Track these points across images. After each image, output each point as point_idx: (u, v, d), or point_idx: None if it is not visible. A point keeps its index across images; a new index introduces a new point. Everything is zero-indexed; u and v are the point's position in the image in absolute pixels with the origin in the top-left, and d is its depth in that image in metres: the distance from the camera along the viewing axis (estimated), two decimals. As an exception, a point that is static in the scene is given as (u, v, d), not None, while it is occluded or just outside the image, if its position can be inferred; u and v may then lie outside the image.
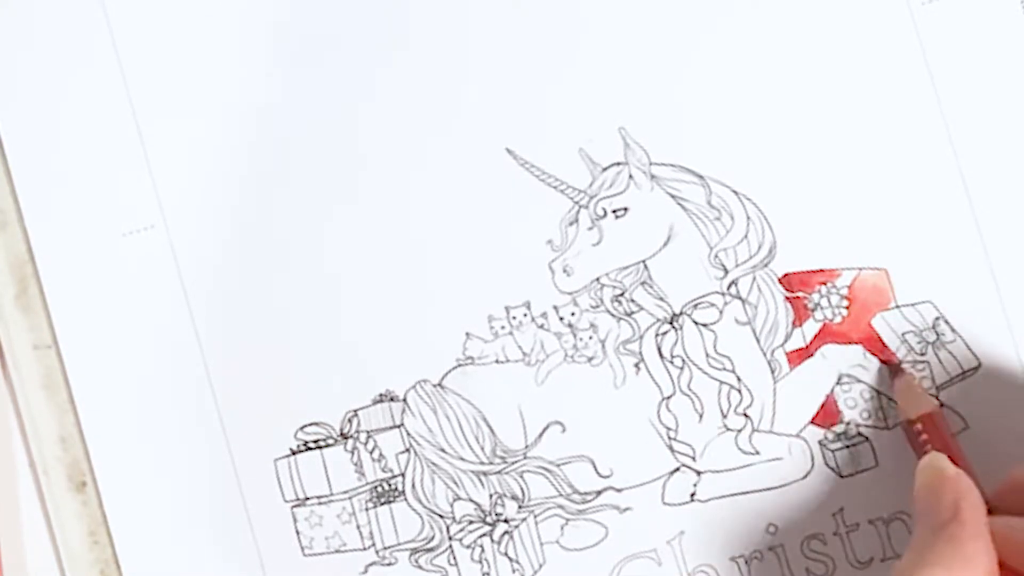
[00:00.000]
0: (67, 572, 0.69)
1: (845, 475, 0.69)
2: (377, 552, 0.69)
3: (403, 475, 0.69)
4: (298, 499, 0.69)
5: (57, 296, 0.70)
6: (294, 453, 0.70)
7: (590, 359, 0.69)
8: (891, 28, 0.69)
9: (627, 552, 0.69)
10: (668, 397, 0.69)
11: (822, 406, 0.69)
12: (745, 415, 0.69)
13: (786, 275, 0.69)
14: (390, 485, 0.69)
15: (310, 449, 0.70)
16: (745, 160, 0.69)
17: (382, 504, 0.69)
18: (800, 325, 0.69)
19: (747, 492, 0.69)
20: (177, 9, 0.71)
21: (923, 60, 0.69)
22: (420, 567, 0.69)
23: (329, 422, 0.70)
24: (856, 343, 0.69)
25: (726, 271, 0.69)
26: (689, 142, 0.69)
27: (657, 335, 0.69)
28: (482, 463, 0.69)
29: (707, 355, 0.69)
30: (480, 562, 0.69)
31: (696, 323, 0.69)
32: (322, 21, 0.71)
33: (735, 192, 0.69)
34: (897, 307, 0.69)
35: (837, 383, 0.69)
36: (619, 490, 0.69)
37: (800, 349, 0.69)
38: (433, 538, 0.69)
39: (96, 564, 0.69)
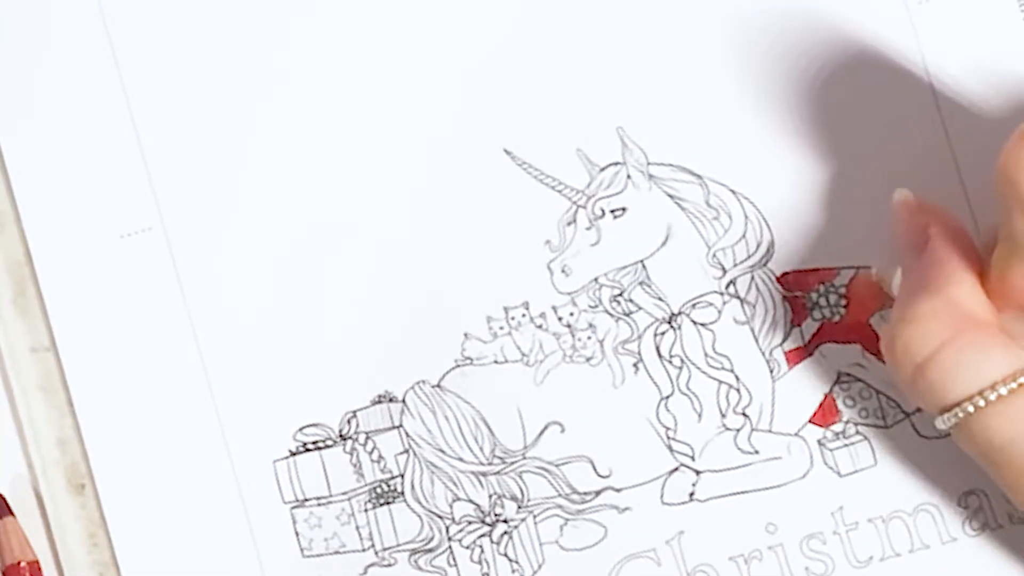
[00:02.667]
0: (66, 574, 0.69)
1: (844, 474, 0.69)
2: (376, 553, 0.69)
3: (402, 476, 0.69)
4: (297, 500, 0.69)
5: (55, 298, 0.70)
6: (293, 454, 0.70)
7: (589, 359, 0.69)
8: (888, 27, 0.69)
9: (626, 552, 0.69)
10: (667, 397, 0.69)
11: (821, 405, 0.69)
12: (744, 414, 0.69)
13: (784, 274, 0.69)
14: (389, 486, 0.69)
15: (309, 450, 0.70)
16: (743, 159, 0.69)
17: (381, 505, 0.69)
18: (799, 324, 0.69)
19: (746, 491, 0.69)
20: (174, 11, 0.71)
21: (920, 59, 0.69)
22: (419, 568, 0.69)
23: (328, 423, 0.70)
24: (855, 342, 0.69)
25: (724, 271, 0.69)
26: (687, 142, 0.70)
27: (656, 335, 0.69)
28: (481, 464, 0.69)
29: (706, 355, 0.69)
30: (479, 562, 0.69)
31: (694, 323, 0.69)
32: (320, 23, 0.71)
33: (733, 192, 0.69)
34: (895, 306, 0.69)
35: (836, 382, 0.69)
36: (618, 490, 0.69)
37: (799, 348, 0.69)
38: (432, 539, 0.69)
39: (95, 567, 0.69)
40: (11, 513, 0.69)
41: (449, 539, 0.69)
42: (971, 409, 0.59)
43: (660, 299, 0.69)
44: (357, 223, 0.70)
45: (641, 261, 0.70)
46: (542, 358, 0.69)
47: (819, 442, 0.69)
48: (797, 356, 0.69)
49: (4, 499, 0.69)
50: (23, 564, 0.68)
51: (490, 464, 0.69)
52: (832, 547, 0.68)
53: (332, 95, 0.70)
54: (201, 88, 0.71)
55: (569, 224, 0.70)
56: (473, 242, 0.70)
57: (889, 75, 0.69)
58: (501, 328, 0.70)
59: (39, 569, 0.69)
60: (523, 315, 0.69)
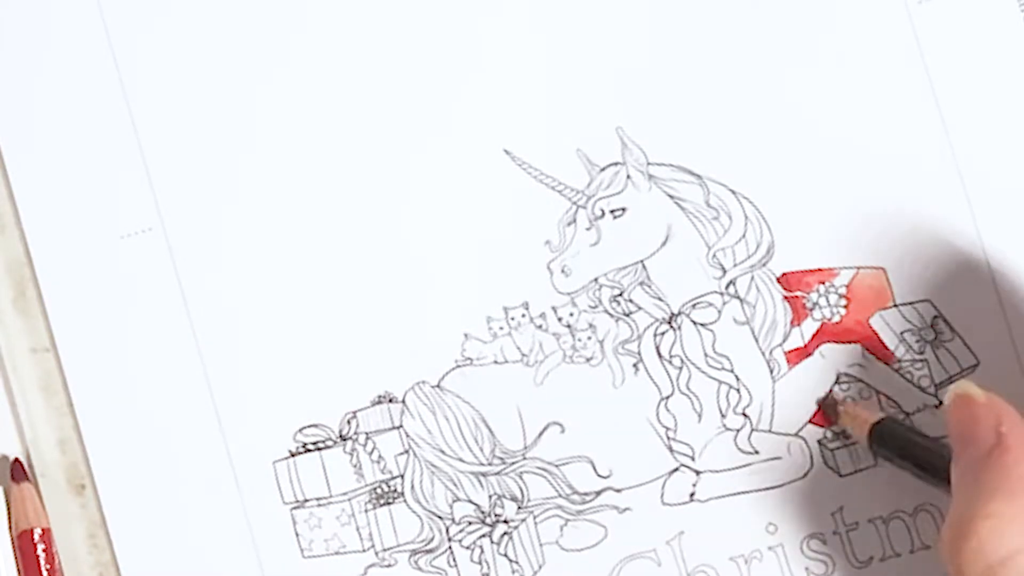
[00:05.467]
0: (66, 574, 0.69)
1: (844, 474, 0.69)
2: (376, 554, 0.69)
3: (402, 476, 0.69)
4: (297, 501, 0.69)
5: (55, 299, 0.70)
6: (293, 455, 0.70)
7: (589, 359, 0.69)
8: (888, 27, 0.69)
9: (627, 552, 0.69)
10: (667, 397, 0.69)
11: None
12: (744, 415, 0.69)
13: (784, 274, 0.69)
14: (389, 487, 0.69)
15: (309, 451, 0.69)
16: (743, 159, 0.69)
17: (381, 506, 0.69)
18: (799, 324, 0.69)
19: (746, 492, 0.69)
20: (174, 11, 0.71)
21: (920, 59, 0.69)
22: (420, 568, 0.69)
23: (328, 424, 0.70)
24: (855, 342, 0.69)
25: (724, 271, 0.69)
26: (687, 142, 0.70)
27: (656, 335, 0.69)
28: (481, 464, 0.69)
29: (706, 355, 0.69)
30: (480, 563, 0.69)
31: (694, 323, 0.69)
32: (320, 23, 0.71)
33: (733, 192, 0.69)
34: (895, 306, 0.69)
35: (836, 382, 0.69)
36: (618, 490, 0.69)
37: (799, 348, 0.69)
38: (432, 539, 0.69)
39: (95, 567, 0.69)
40: (28, 479, 0.69)
41: (449, 539, 0.69)
42: None
43: (660, 299, 0.69)
44: (357, 223, 0.70)
45: (641, 261, 0.70)
46: (542, 358, 0.69)
47: (819, 442, 0.69)
48: (797, 356, 0.69)
49: (21, 464, 0.69)
50: (36, 531, 0.68)
51: (490, 464, 0.69)
52: (833, 547, 0.68)
53: (331, 95, 0.70)
54: (201, 88, 0.71)
55: (569, 224, 0.70)
56: (472, 242, 0.70)
57: (889, 75, 0.69)
58: (501, 328, 0.70)
59: (51, 537, 0.69)
60: (523, 315, 0.69)
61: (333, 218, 0.70)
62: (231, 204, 0.70)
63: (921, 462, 0.66)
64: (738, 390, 0.69)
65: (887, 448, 0.66)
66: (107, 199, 0.70)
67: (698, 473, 0.69)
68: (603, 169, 0.70)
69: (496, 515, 0.69)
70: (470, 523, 0.69)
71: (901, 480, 0.68)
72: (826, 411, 0.68)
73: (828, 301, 0.69)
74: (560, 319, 0.69)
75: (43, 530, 0.68)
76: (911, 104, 0.69)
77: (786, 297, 0.69)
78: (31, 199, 0.70)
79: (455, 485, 0.69)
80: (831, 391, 0.68)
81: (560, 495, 0.69)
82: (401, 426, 0.69)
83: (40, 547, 0.68)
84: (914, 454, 0.66)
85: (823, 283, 0.69)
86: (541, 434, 0.69)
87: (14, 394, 0.70)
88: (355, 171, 0.70)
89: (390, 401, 0.69)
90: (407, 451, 0.69)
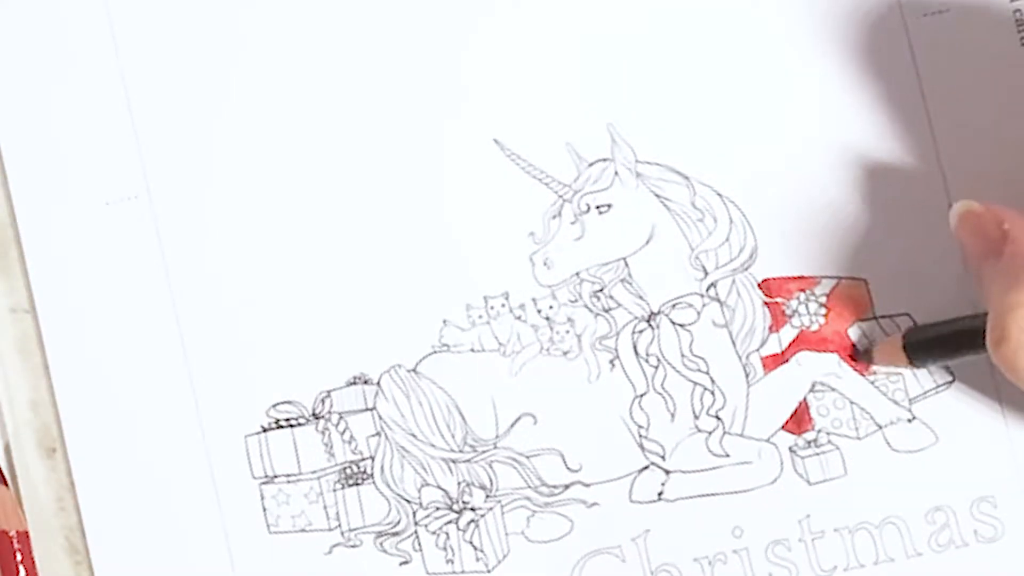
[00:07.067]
0: (33, 536, 0.69)
1: (813, 482, 0.69)
2: (342, 534, 0.69)
3: (372, 458, 0.69)
4: (267, 476, 0.69)
5: (37, 261, 0.70)
6: (265, 430, 0.70)
7: (565, 353, 0.69)
8: (884, 38, 0.69)
9: (592, 547, 0.69)
10: (641, 395, 0.69)
11: (794, 412, 0.69)
12: (717, 417, 0.69)
13: (766, 280, 0.69)
14: (359, 467, 0.70)
15: (281, 427, 0.70)
16: (731, 163, 0.69)
17: (350, 486, 0.69)
18: (777, 331, 0.69)
19: (715, 494, 0.69)
20: (172, -19, 0.71)
21: (914, 72, 0.69)
22: (384, 551, 0.69)
23: (301, 401, 0.70)
24: (832, 351, 0.69)
25: (706, 273, 0.69)
26: (676, 142, 0.70)
27: (634, 333, 0.69)
28: (452, 451, 0.69)
29: (682, 355, 0.69)
30: (444, 549, 0.69)
31: (673, 323, 0.69)
32: (313, 10, 0.71)
33: (719, 194, 0.69)
34: (875, 318, 0.69)
35: (810, 390, 0.69)
36: (587, 485, 0.69)
37: (775, 355, 0.69)
38: (399, 522, 0.69)
39: (62, 530, 0.69)
40: (4, 483, 0.69)
41: (416, 524, 0.69)
42: None
43: (640, 297, 0.69)
44: (342, 204, 0.70)
45: (624, 258, 0.70)
46: (519, 349, 0.70)
47: (790, 449, 0.69)
48: (773, 362, 0.69)
49: None
50: (12, 534, 0.68)
51: (461, 452, 0.69)
52: (797, 554, 0.69)
53: (321, 79, 0.70)
54: (193, 59, 0.71)
55: (554, 217, 0.70)
56: (457, 230, 0.70)
57: (882, 86, 0.69)
58: (480, 317, 0.70)
59: (28, 539, 0.69)
60: (503, 305, 0.70)
61: (318, 199, 0.70)
62: (217, 177, 0.70)
63: (961, 339, 0.66)
64: (712, 392, 0.69)
65: (925, 353, 0.67)
66: (95, 165, 0.70)
67: (668, 472, 0.69)
68: (591, 164, 0.70)
69: (464, 502, 0.69)
70: (437, 508, 0.69)
71: (869, 491, 0.68)
72: (860, 360, 0.68)
73: (808, 309, 0.69)
74: (539, 311, 0.70)
75: (19, 532, 0.68)
76: (902, 117, 0.69)
77: (766, 303, 0.69)
78: (18, 160, 0.70)
79: (424, 470, 0.69)
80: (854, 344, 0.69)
81: (529, 486, 0.69)
82: (374, 408, 0.70)
83: (17, 548, 0.68)
84: (952, 338, 0.66)
85: (804, 291, 0.69)
86: (513, 424, 0.69)
87: (-10, 353, 0.70)
88: (342, 154, 0.70)
89: (365, 382, 0.70)
90: (379, 433, 0.70)
